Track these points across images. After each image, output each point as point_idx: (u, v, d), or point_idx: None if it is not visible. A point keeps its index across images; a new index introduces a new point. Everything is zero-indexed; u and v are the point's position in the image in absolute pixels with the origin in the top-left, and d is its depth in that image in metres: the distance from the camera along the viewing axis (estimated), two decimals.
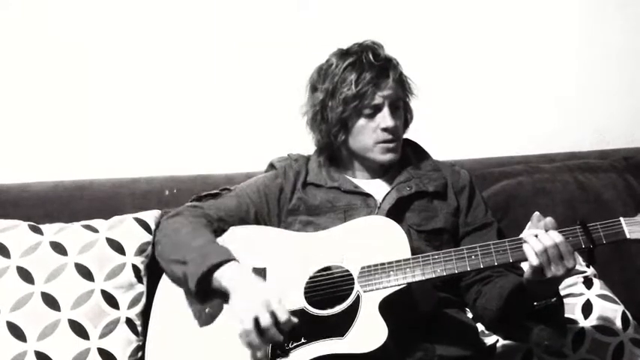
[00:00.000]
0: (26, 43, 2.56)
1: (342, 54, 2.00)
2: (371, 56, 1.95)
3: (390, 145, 1.98)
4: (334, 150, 2.05)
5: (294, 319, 1.72)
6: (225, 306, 1.82)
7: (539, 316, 1.75)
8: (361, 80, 1.93)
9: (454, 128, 2.70)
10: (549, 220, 1.70)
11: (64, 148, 2.58)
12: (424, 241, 1.92)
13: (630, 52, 2.79)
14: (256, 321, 1.70)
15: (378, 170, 2.04)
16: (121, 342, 2.04)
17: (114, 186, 2.38)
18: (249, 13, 2.64)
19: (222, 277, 1.79)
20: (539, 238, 1.66)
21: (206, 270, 1.79)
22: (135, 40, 2.61)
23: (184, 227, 1.93)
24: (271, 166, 2.13)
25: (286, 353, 1.71)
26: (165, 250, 1.94)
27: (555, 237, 1.66)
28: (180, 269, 1.84)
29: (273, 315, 1.70)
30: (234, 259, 1.81)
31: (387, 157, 1.99)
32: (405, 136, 2.08)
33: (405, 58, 2.03)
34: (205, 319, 1.84)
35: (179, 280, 1.87)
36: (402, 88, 2.01)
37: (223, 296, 1.80)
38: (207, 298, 1.83)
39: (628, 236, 1.67)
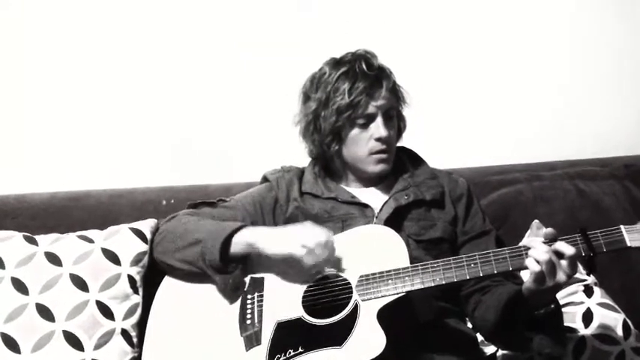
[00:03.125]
0: (25, 48, 2.58)
1: (335, 63, 1.99)
2: (364, 65, 1.94)
3: (383, 156, 1.97)
4: (327, 160, 2.04)
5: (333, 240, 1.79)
6: (246, 278, 1.86)
7: (538, 324, 1.73)
8: (354, 90, 1.92)
9: (453, 137, 2.68)
10: (549, 230, 1.69)
11: (60, 159, 2.58)
12: (423, 250, 1.91)
13: (631, 59, 2.78)
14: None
15: (372, 180, 2.03)
16: (116, 353, 2.02)
17: (111, 196, 2.37)
18: (249, 15, 2.64)
19: (246, 235, 1.83)
20: (540, 247, 1.65)
21: (227, 235, 1.81)
22: (133, 47, 2.61)
23: (188, 220, 1.94)
24: (265, 179, 2.11)
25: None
26: (172, 242, 1.93)
27: (556, 246, 1.65)
28: (195, 249, 1.85)
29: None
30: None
31: (379, 167, 1.98)
32: (403, 144, 2.06)
33: (402, 65, 2.03)
34: (229, 293, 1.85)
35: (194, 264, 1.86)
36: (396, 97, 2.00)
37: (243, 262, 1.84)
38: (226, 270, 1.83)
39: (629, 244, 1.66)
